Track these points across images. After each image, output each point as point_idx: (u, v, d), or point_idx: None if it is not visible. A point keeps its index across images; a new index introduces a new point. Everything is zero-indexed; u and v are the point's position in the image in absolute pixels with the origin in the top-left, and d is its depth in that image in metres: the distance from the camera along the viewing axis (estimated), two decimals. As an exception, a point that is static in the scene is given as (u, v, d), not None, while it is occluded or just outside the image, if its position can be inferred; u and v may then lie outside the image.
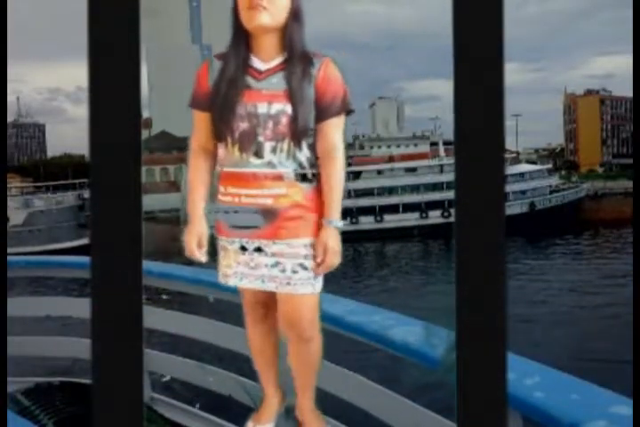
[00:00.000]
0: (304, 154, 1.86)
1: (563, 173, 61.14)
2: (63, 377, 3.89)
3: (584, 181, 52.38)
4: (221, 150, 1.90)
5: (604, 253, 32.94)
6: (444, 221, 39.65)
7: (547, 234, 37.66)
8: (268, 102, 1.82)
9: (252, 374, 2.37)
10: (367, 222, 41.38)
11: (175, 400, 3.42)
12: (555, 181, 48.19)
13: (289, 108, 1.81)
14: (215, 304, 3.06)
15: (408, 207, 42.54)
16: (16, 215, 38.66)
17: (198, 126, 1.93)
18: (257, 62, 1.87)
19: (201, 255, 1.92)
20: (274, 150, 1.83)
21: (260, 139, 1.83)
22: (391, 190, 43.26)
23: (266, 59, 1.87)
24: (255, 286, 1.92)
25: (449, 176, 38.72)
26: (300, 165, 1.86)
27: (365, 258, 35.58)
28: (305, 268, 1.88)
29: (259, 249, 1.89)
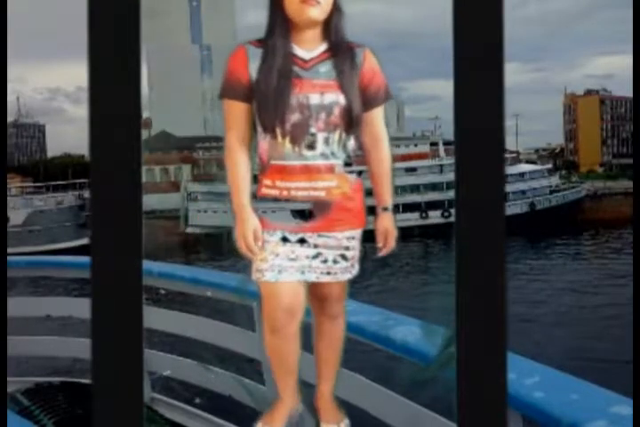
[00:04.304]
0: (351, 144, 1.87)
1: (563, 173, 61.01)
2: (63, 377, 3.89)
3: (584, 181, 52.31)
4: (264, 142, 1.83)
5: (604, 253, 32.89)
6: (444, 221, 39.58)
7: (547, 234, 37.60)
8: (320, 93, 1.79)
9: (251, 375, 2.37)
10: (367, 222, 41.26)
11: (175, 400, 3.42)
12: (555, 181, 48.11)
13: (342, 99, 1.79)
14: (215, 304, 3.06)
15: (408, 207, 42.48)
16: (16, 215, 38.59)
17: (236, 118, 1.83)
18: (300, 51, 1.83)
19: (258, 249, 1.82)
20: (326, 141, 1.81)
21: (313, 130, 1.80)
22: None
23: (309, 47, 1.83)
24: (295, 278, 1.87)
25: (449, 176, 38.68)
26: (348, 156, 1.87)
27: (365, 258, 35.48)
28: (345, 258, 1.91)
29: (302, 240, 1.86)
